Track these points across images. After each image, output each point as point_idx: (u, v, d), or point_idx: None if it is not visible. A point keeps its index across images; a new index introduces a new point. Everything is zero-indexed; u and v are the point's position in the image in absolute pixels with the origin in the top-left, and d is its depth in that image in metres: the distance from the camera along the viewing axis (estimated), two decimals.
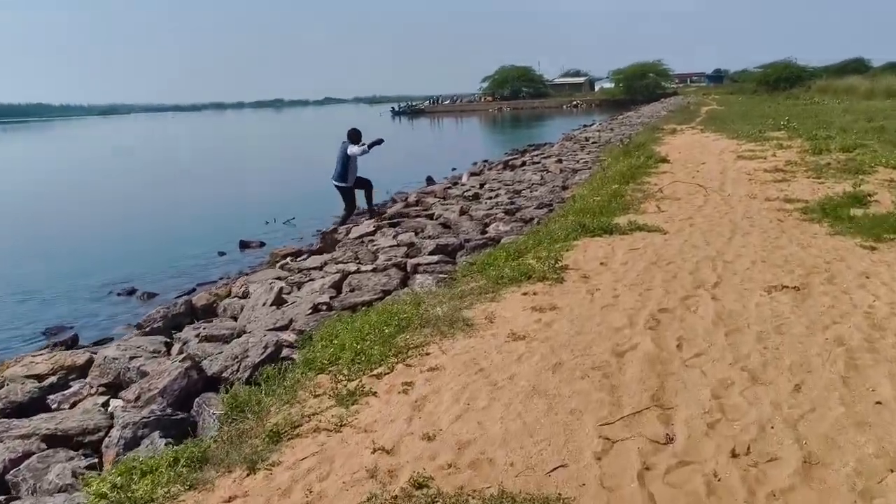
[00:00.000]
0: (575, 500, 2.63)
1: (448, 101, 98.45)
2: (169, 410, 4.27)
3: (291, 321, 5.98)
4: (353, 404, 3.63)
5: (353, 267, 7.69)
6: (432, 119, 74.06)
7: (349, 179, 10.72)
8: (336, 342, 4.65)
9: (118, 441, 3.99)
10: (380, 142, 10.95)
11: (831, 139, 13.98)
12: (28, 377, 5.32)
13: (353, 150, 10.30)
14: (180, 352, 5.52)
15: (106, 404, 4.74)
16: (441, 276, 6.90)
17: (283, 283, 7.19)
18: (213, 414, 4.08)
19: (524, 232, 8.62)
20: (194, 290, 9.47)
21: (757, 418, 3.11)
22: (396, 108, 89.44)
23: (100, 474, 3.43)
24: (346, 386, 3.87)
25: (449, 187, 14.48)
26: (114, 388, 5.04)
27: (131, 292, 9.56)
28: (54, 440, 4.16)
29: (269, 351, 4.86)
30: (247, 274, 9.14)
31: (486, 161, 22.29)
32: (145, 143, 55.65)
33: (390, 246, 8.65)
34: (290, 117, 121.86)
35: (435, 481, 2.82)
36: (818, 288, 4.91)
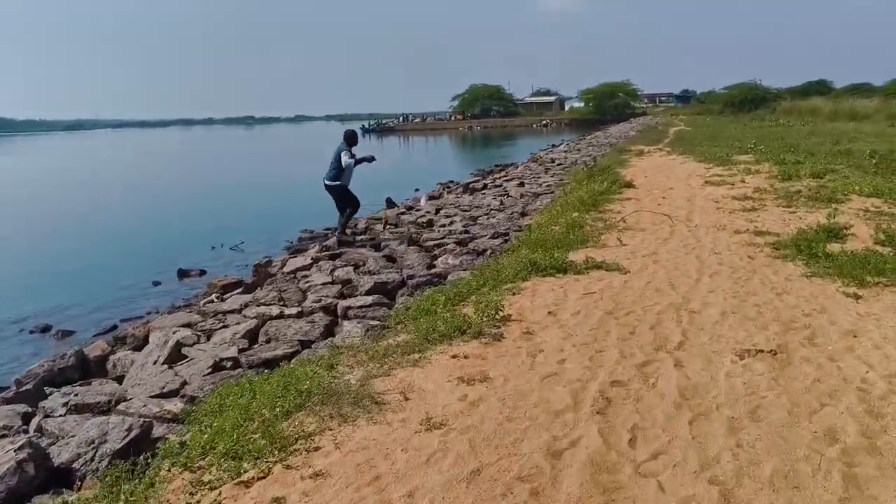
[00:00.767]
0: None
1: (418, 120, 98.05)
2: None
3: (184, 384, 5.02)
4: None
5: (275, 310, 6.74)
6: (402, 137, 73.25)
7: (343, 180, 9.87)
8: (216, 423, 3.72)
9: None
10: (371, 159, 10.15)
11: (800, 164, 13.50)
12: None
13: (345, 159, 9.60)
14: (38, 429, 4.51)
15: None
16: (372, 322, 6.04)
17: (188, 332, 6.20)
18: None
19: (475, 266, 7.82)
20: (115, 327, 8.58)
21: None
22: (366, 126, 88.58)
23: None
24: (200, 501, 2.94)
25: (403, 212, 13.58)
26: None
27: (45, 329, 8.60)
28: None
29: (132, 434, 3.90)
30: (163, 314, 8.13)
31: (450, 182, 21.54)
32: (102, 160, 53.87)
33: (323, 283, 7.71)
34: (259, 134, 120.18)
35: None
36: (798, 352, 4.12)
